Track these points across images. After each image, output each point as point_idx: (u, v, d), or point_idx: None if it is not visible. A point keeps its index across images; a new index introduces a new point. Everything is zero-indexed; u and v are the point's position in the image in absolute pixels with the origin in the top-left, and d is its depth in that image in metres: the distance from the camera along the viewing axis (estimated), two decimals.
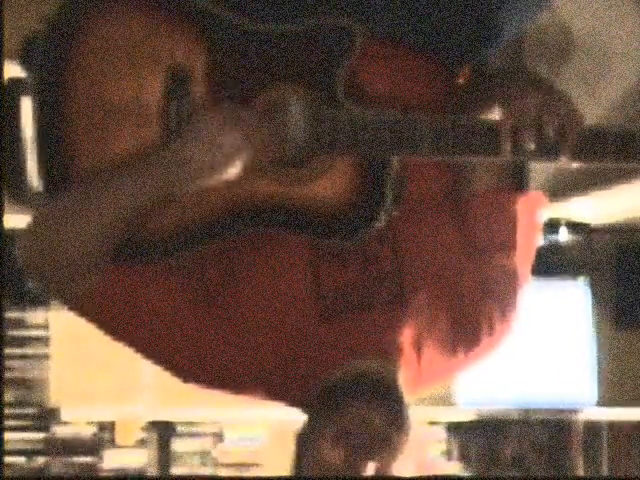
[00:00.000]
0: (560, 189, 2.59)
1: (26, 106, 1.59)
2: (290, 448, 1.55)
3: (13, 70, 1.65)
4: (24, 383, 3.89)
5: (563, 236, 3.56)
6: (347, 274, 1.59)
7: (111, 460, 3.93)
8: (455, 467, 3.97)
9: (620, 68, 2.41)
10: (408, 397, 1.55)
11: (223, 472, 3.98)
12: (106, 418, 3.91)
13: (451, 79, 1.71)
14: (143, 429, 3.94)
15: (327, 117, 1.54)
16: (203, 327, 1.56)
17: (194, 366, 1.56)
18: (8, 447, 3.77)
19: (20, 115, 1.61)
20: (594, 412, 3.88)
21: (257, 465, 3.97)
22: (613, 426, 3.98)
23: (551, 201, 1.78)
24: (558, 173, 2.50)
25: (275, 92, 1.55)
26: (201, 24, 1.55)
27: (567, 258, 3.83)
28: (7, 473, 3.77)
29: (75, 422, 3.90)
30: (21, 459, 3.88)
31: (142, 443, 3.95)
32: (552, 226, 3.49)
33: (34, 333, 3.91)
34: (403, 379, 1.57)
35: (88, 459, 3.92)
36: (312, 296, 1.58)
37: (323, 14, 1.56)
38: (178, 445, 3.97)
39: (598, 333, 3.85)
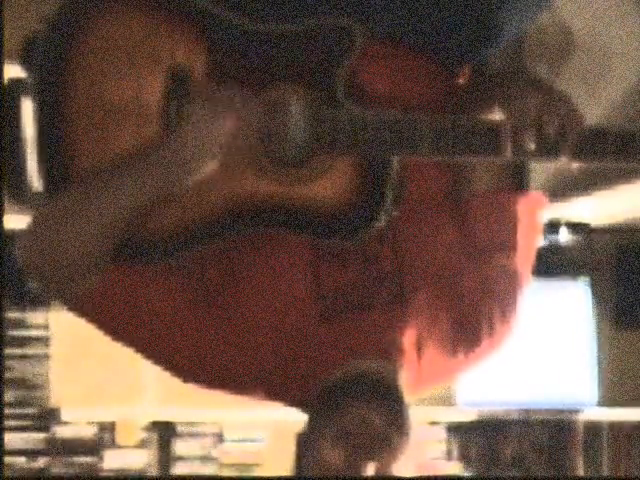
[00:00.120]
0: (560, 189, 2.59)
1: (26, 106, 1.59)
2: (291, 448, 1.55)
3: (13, 70, 1.65)
4: (24, 383, 3.89)
5: (563, 236, 3.56)
6: (347, 274, 1.59)
7: (112, 460, 3.93)
8: (455, 467, 3.97)
9: (620, 68, 2.40)
10: (409, 397, 1.55)
11: (224, 472, 3.97)
12: (107, 418, 3.90)
13: (451, 79, 1.71)
14: (144, 429, 3.94)
15: (327, 117, 1.53)
16: (203, 327, 1.55)
17: (194, 366, 1.56)
18: (8, 447, 3.77)
19: (20, 115, 1.61)
20: (594, 412, 3.87)
21: (258, 465, 3.97)
22: (613, 426, 3.97)
23: (551, 201, 1.78)
24: (558, 173, 2.50)
25: (275, 92, 1.55)
26: (201, 24, 1.55)
27: (567, 258, 3.82)
28: (7, 473, 3.76)
29: (75, 422, 3.90)
30: (21, 459, 3.88)
31: (143, 443, 3.94)
32: (552, 226, 3.49)
33: (34, 333, 3.90)
34: (404, 380, 1.57)
35: (89, 459, 3.92)
36: (312, 296, 1.58)
37: (323, 14, 1.56)
38: (179, 446, 3.96)
39: (598, 333, 3.84)
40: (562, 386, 3.80)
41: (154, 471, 3.94)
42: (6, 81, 1.64)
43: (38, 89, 1.55)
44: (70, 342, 3.80)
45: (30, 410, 3.90)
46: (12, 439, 3.82)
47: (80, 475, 3.90)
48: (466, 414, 3.90)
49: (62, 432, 3.91)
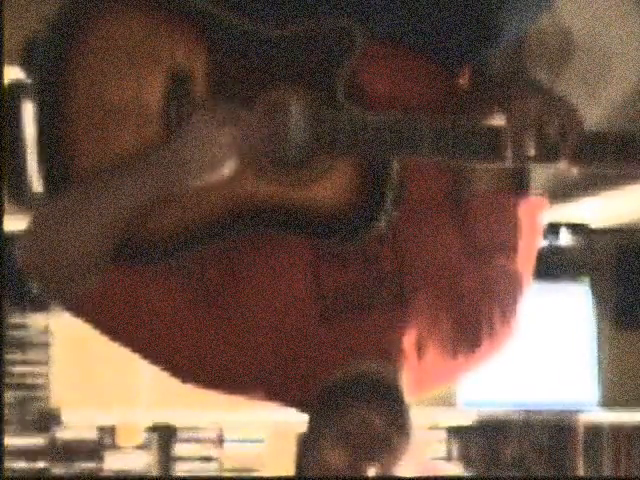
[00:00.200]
0: (560, 191, 2.59)
1: (26, 108, 1.59)
2: (291, 450, 1.55)
3: (14, 72, 1.65)
4: (25, 386, 3.89)
5: (563, 238, 3.56)
6: (347, 274, 1.59)
7: (112, 462, 3.93)
8: (456, 468, 3.96)
9: (620, 69, 2.40)
10: (410, 399, 1.54)
11: (224, 474, 3.97)
12: (107, 420, 3.90)
13: (451, 80, 1.71)
14: (144, 431, 3.94)
15: (327, 118, 1.54)
16: (203, 327, 1.55)
17: (194, 366, 1.56)
18: (9, 450, 3.77)
19: (21, 117, 1.61)
20: (595, 414, 3.87)
21: (258, 466, 3.97)
22: (614, 427, 3.97)
23: (551, 203, 1.78)
24: (558, 175, 2.50)
25: (275, 93, 1.55)
26: (201, 25, 1.55)
27: (567, 260, 3.82)
28: (7, 474, 3.76)
29: (76, 425, 3.90)
30: (22, 462, 3.88)
31: (144, 446, 3.94)
32: (552, 228, 3.49)
33: (35, 336, 3.90)
34: (405, 381, 1.57)
35: (89, 461, 3.92)
36: (312, 296, 1.58)
37: (323, 15, 1.56)
38: (179, 448, 3.96)
39: (599, 334, 3.84)
40: (563, 387, 3.80)
41: (155, 473, 3.94)
42: (7, 83, 1.64)
43: (38, 90, 1.55)
44: (70, 344, 3.80)
45: (31, 413, 3.90)
46: (13, 442, 3.82)
47: (80, 476, 3.90)
48: (467, 415, 3.90)
49: (63, 435, 3.91)
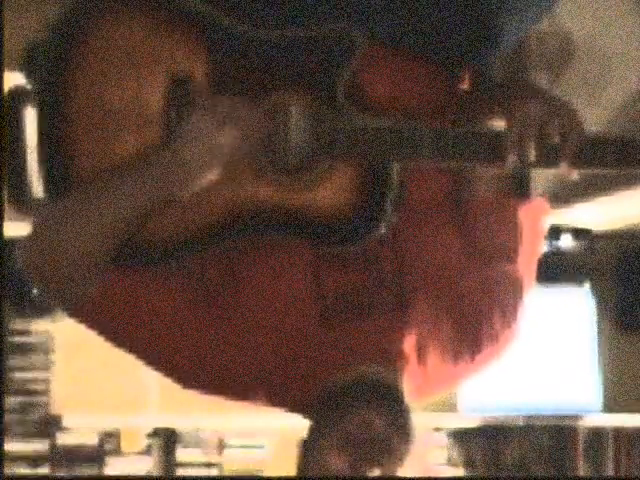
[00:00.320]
0: (562, 195, 2.59)
1: (28, 113, 1.59)
2: (293, 455, 1.55)
3: (14, 78, 1.65)
4: (26, 392, 3.89)
5: (565, 242, 3.55)
6: (347, 275, 1.59)
7: (114, 467, 3.93)
8: (458, 473, 3.96)
9: (620, 70, 2.40)
10: (412, 403, 1.54)
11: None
12: (109, 425, 3.90)
13: (452, 82, 1.71)
14: (147, 437, 3.94)
15: (327, 120, 1.54)
16: (203, 327, 1.55)
17: (194, 367, 1.56)
18: (10, 456, 3.77)
19: (22, 122, 1.61)
20: (598, 418, 3.86)
21: (260, 472, 3.96)
22: (618, 432, 3.96)
23: (553, 207, 1.78)
24: (560, 179, 2.50)
25: (276, 95, 1.55)
26: (201, 26, 1.55)
27: (569, 264, 3.82)
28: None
29: (78, 431, 3.90)
30: (24, 468, 3.88)
31: (147, 451, 3.94)
32: (554, 232, 3.49)
33: (36, 342, 3.90)
34: (406, 385, 1.56)
35: (91, 466, 3.91)
36: (312, 296, 1.58)
37: (324, 17, 1.56)
38: (182, 453, 3.96)
39: (601, 338, 3.84)
40: (565, 392, 3.80)
41: None
42: (8, 89, 1.64)
43: (39, 95, 1.55)
44: (72, 350, 3.80)
45: (32, 418, 3.89)
46: (14, 447, 3.82)
47: (80, 476, 3.90)
48: (469, 420, 3.89)
49: (64, 440, 3.91)
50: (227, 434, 3.97)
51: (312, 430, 1.52)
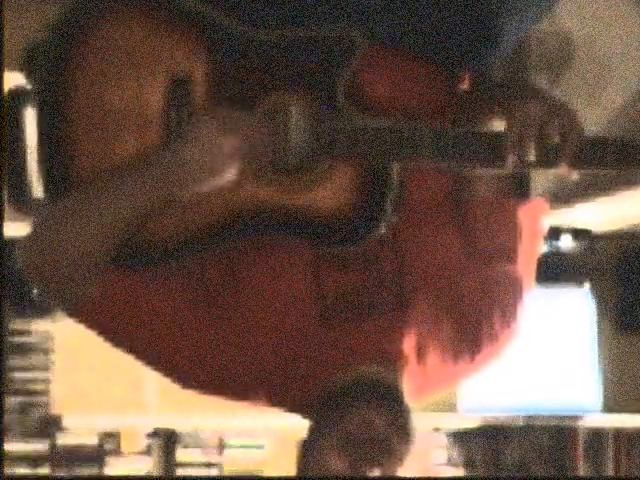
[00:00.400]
0: (562, 196, 2.59)
1: (28, 113, 1.59)
2: (293, 455, 1.55)
3: (14, 78, 1.65)
4: (26, 392, 3.89)
5: (565, 243, 3.55)
6: (348, 275, 1.59)
7: (114, 468, 3.93)
8: (458, 473, 3.96)
9: (620, 69, 2.40)
10: (412, 402, 1.54)
11: None
12: (109, 426, 3.90)
13: (452, 82, 1.71)
14: (146, 437, 3.94)
15: (327, 121, 1.54)
16: (203, 327, 1.55)
17: (194, 367, 1.56)
18: (10, 456, 3.77)
19: (22, 122, 1.61)
20: (598, 418, 3.86)
21: (260, 474, 3.96)
22: (618, 432, 3.96)
23: (553, 208, 1.78)
24: (560, 180, 2.50)
25: (276, 95, 1.55)
26: (201, 27, 1.56)
27: (569, 265, 3.82)
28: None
29: (78, 431, 3.90)
30: (24, 468, 3.88)
31: (147, 451, 3.94)
32: (554, 233, 3.49)
33: (36, 342, 3.90)
34: (406, 385, 1.56)
35: (91, 468, 3.91)
36: (312, 296, 1.58)
37: (324, 18, 1.56)
38: (182, 453, 3.96)
39: (601, 339, 3.84)
40: (565, 392, 3.80)
41: None
42: (8, 89, 1.64)
43: (39, 95, 1.55)
44: (72, 350, 3.80)
45: (32, 418, 3.89)
46: (14, 447, 3.82)
47: (80, 476, 3.90)
48: (469, 421, 3.89)
49: (64, 440, 3.91)
50: (227, 434, 3.97)
51: (312, 430, 1.52)
